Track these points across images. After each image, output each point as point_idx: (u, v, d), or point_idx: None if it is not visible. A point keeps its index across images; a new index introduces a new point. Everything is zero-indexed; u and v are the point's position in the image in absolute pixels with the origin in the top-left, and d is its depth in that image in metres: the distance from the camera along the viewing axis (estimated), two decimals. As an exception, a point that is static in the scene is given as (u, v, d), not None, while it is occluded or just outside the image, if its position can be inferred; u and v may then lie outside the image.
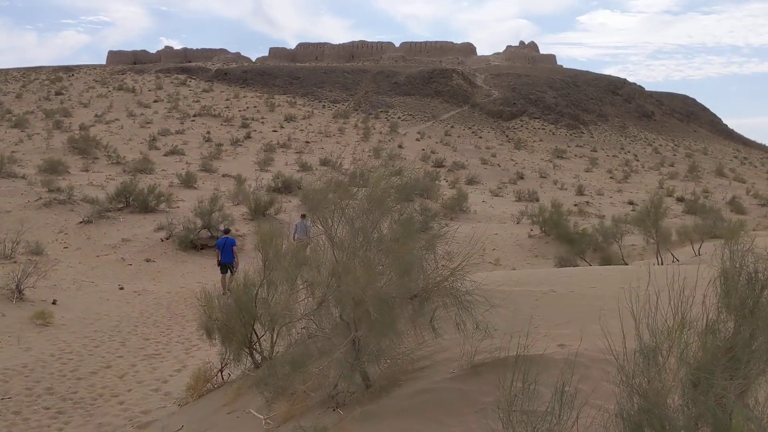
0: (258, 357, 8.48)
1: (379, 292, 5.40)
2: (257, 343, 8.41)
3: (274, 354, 8.55)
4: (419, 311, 5.75)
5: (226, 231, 18.91)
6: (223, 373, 8.76)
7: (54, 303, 15.24)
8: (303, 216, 22.91)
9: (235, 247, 17.45)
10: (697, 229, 21.68)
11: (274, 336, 8.49)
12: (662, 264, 16.24)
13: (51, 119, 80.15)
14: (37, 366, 10.79)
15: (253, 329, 8.27)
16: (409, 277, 5.66)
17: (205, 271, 21.13)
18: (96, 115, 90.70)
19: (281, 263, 7.73)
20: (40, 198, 29.20)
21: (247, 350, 8.27)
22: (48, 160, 42.62)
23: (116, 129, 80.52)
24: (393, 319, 5.49)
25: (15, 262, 18.60)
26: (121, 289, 17.86)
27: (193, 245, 23.31)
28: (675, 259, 18.30)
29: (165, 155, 62.65)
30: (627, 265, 17.20)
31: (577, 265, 18.93)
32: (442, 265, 5.79)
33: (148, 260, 21.57)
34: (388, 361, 5.95)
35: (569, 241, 24.14)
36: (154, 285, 18.81)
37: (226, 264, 17.27)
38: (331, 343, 6.03)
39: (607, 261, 19.46)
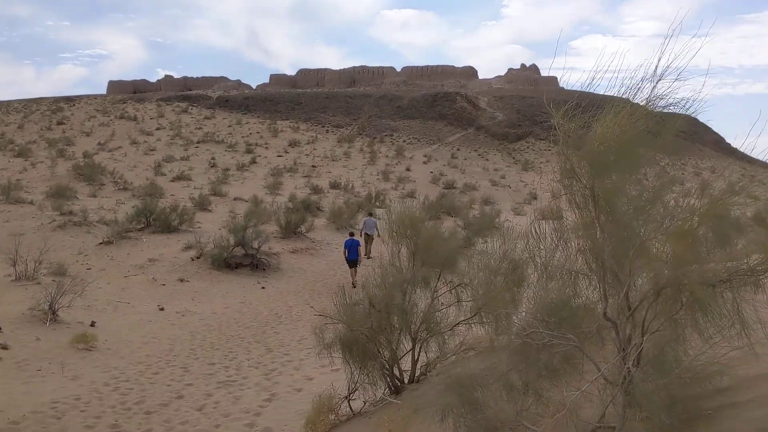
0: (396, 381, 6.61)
1: (706, 274, 3.55)
2: (396, 363, 6.54)
3: (417, 374, 6.68)
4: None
5: (351, 234, 22.74)
6: (350, 402, 6.83)
7: (93, 325, 13.31)
8: (370, 214, 28.67)
9: (360, 247, 21.39)
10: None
11: (417, 351, 6.64)
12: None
13: (54, 148, 78.28)
14: (93, 398, 8.86)
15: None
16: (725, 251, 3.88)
17: (245, 290, 19.20)
18: (99, 143, 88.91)
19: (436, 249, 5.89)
20: (54, 220, 27.39)
21: (388, 371, 6.39)
22: (55, 185, 40.78)
23: (120, 156, 78.75)
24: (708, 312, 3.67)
25: (39, 283, 16.71)
26: (162, 309, 15.93)
27: (227, 264, 21.37)
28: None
29: (172, 181, 60.90)
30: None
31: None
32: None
33: (181, 280, 19.65)
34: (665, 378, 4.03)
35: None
36: (194, 305, 16.86)
37: (353, 260, 20.74)
38: (581, 354, 4.19)
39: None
